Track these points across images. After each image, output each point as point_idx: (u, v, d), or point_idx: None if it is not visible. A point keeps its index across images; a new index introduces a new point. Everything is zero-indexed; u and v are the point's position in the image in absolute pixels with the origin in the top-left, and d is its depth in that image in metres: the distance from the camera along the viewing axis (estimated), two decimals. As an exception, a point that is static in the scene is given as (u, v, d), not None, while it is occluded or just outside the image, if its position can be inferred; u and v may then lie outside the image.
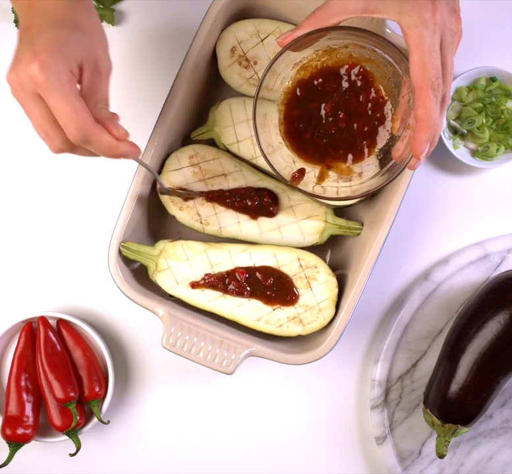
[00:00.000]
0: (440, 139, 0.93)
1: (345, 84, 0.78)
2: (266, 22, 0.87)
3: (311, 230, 0.89)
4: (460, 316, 0.89)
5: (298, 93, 0.79)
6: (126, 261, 0.86)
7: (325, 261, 0.90)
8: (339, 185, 0.81)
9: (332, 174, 0.81)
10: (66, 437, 0.91)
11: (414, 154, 0.70)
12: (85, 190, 0.96)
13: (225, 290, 0.86)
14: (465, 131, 0.94)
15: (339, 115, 0.78)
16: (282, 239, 0.88)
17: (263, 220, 0.88)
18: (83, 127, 0.63)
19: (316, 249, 0.91)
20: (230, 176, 0.88)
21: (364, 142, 0.80)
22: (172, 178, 0.87)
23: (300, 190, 0.79)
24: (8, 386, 0.91)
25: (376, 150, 0.80)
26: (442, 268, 0.94)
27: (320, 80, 0.79)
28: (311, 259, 0.87)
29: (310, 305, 0.86)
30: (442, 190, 0.96)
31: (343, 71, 0.78)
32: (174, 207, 0.87)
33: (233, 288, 0.85)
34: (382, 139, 0.80)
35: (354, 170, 0.81)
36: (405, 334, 0.94)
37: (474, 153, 0.95)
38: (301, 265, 0.87)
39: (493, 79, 0.94)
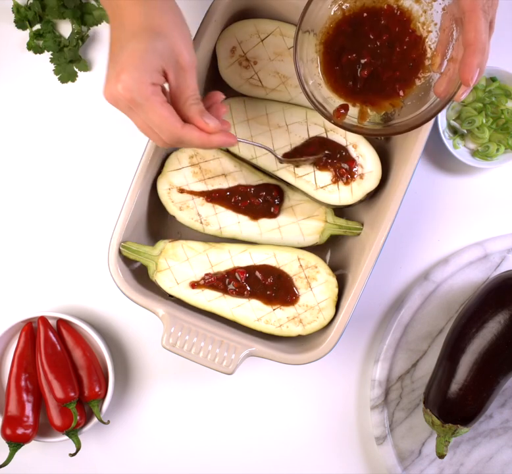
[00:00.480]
0: (440, 139, 0.93)
1: (383, 22, 0.77)
2: (266, 22, 0.87)
3: (311, 230, 0.89)
4: (460, 316, 0.89)
5: (337, 31, 0.78)
6: (126, 261, 0.86)
7: (325, 261, 0.90)
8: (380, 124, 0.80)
9: (371, 113, 0.80)
10: (66, 437, 0.91)
11: (464, 80, 0.69)
12: (85, 190, 0.96)
13: (225, 290, 0.86)
14: (465, 131, 0.94)
15: (378, 50, 0.77)
16: (282, 239, 0.88)
17: (263, 220, 0.88)
18: (173, 132, 0.69)
19: (316, 249, 0.91)
20: (229, 176, 0.88)
21: (403, 80, 0.78)
22: (172, 178, 0.87)
23: (345, 127, 0.78)
24: (8, 386, 0.91)
25: (418, 85, 0.78)
26: (442, 268, 0.94)
27: (360, 19, 0.78)
28: (311, 259, 0.87)
29: (310, 305, 0.86)
30: (442, 190, 0.96)
31: (381, 11, 0.77)
32: (174, 207, 0.87)
33: (233, 288, 0.85)
34: (420, 78, 0.78)
35: (395, 106, 0.80)
36: (405, 334, 0.94)
37: (474, 153, 0.95)
38: (301, 265, 0.87)
39: (493, 79, 0.94)
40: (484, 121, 0.93)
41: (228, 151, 0.89)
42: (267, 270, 0.86)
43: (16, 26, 0.95)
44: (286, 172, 0.87)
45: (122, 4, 0.69)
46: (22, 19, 0.94)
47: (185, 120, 0.71)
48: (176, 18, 0.71)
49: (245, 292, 0.85)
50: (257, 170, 0.89)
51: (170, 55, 0.68)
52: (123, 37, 0.68)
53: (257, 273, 0.86)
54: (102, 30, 0.96)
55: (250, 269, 0.86)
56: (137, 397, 0.95)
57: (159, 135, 0.70)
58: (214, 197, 0.87)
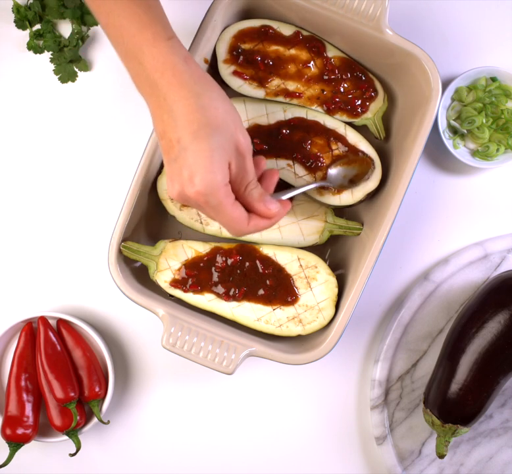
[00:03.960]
0: (440, 139, 0.93)
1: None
2: (266, 22, 0.87)
3: (311, 230, 0.89)
4: (460, 317, 0.89)
5: None
6: (126, 260, 0.86)
7: (325, 261, 0.90)
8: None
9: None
10: (66, 437, 0.91)
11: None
12: (86, 190, 0.96)
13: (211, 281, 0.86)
14: (465, 131, 0.94)
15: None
16: (282, 239, 0.88)
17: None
18: (239, 230, 0.72)
19: (316, 249, 0.91)
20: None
21: None
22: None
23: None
24: (8, 386, 0.91)
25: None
26: (442, 268, 0.94)
27: None
28: (311, 259, 0.87)
29: (310, 305, 0.86)
30: (442, 190, 0.96)
31: None
32: (174, 207, 0.87)
33: (220, 271, 0.86)
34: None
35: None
36: (405, 334, 0.94)
37: (474, 153, 0.95)
38: (301, 265, 0.87)
39: (493, 79, 0.94)
40: (484, 121, 0.93)
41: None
42: (267, 261, 0.86)
43: (16, 25, 0.95)
44: (287, 172, 0.87)
45: (171, 97, 0.67)
46: (22, 19, 0.94)
47: (246, 204, 0.72)
48: (226, 104, 0.69)
49: (243, 286, 0.85)
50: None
51: (231, 147, 0.68)
52: (182, 136, 0.66)
53: (257, 262, 0.86)
54: (103, 30, 0.96)
55: (248, 259, 0.86)
56: (137, 397, 0.95)
57: (228, 230, 0.72)
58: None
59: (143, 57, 0.68)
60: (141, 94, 0.71)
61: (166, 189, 0.68)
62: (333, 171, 0.85)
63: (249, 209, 0.72)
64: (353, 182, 0.86)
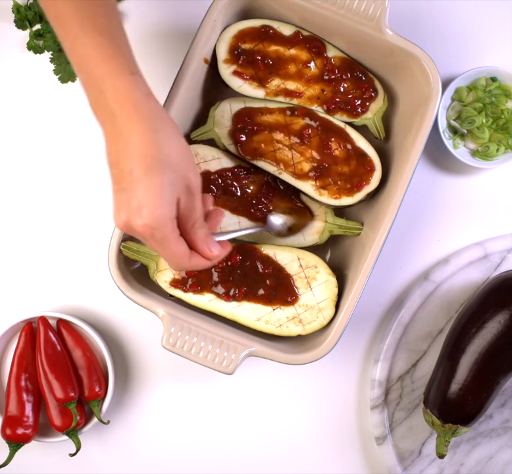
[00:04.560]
0: (440, 139, 0.93)
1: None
2: (266, 22, 0.87)
3: (311, 230, 0.89)
4: (460, 317, 0.89)
5: None
6: (126, 260, 0.86)
7: (325, 261, 0.90)
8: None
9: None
10: (66, 437, 0.91)
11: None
12: (86, 190, 0.96)
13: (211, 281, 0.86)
14: (465, 131, 0.94)
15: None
16: (282, 239, 0.88)
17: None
18: (179, 265, 0.72)
19: (316, 249, 0.91)
20: (229, 176, 0.88)
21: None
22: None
23: None
24: (8, 386, 0.91)
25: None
26: (442, 268, 0.94)
27: None
28: (311, 259, 0.87)
29: (310, 305, 0.86)
30: (442, 190, 0.96)
31: None
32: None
33: (221, 271, 0.86)
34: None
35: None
36: (405, 334, 0.94)
37: (474, 153, 0.95)
38: (301, 265, 0.87)
39: (493, 79, 0.94)
40: (484, 121, 0.93)
41: (227, 151, 0.89)
42: (267, 261, 0.86)
43: (16, 25, 0.95)
44: (286, 174, 0.87)
45: (128, 130, 0.68)
46: (22, 19, 0.94)
47: (189, 241, 0.72)
48: (181, 142, 0.71)
49: (243, 285, 0.85)
50: (257, 170, 0.89)
51: (182, 184, 0.69)
52: (134, 168, 0.67)
53: (257, 262, 0.86)
54: (103, 30, 0.96)
55: (248, 259, 0.86)
56: (137, 397, 0.95)
57: (169, 264, 0.73)
58: (214, 197, 0.87)
59: (105, 87, 0.69)
60: (97, 120, 0.71)
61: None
62: (273, 218, 0.87)
63: (191, 246, 0.73)
64: (291, 230, 0.87)
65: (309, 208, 0.89)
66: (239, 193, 0.88)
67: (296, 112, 0.87)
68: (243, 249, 0.86)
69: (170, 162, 0.68)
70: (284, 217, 0.87)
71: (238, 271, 0.86)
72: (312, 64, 0.88)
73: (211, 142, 0.90)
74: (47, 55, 0.96)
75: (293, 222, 0.87)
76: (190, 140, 0.90)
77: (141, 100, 0.69)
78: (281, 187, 0.89)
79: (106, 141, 0.70)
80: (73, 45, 0.70)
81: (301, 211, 0.88)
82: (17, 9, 0.94)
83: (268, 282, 0.86)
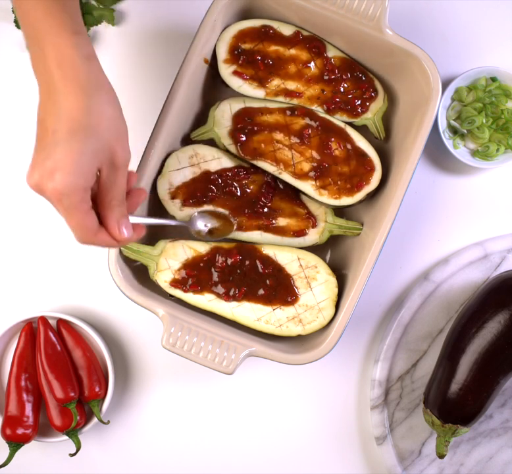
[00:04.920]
0: (440, 139, 0.93)
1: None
2: (266, 22, 0.87)
3: (311, 230, 0.89)
4: (460, 317, 0.89)
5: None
6: (126, 260, 0.86)
7: (325, 261, 0.90)
8: None
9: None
10: (66, 437, 0.91)
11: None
12: (85, 190, 0.96)
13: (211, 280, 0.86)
14: (465, 131, 0.94)
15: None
16: (282, 239, 0.88)
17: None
18: (84, 239, 0.69)
19: (316, 249, 0.91)
20: (229, 176, 0.88)
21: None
22: (172, 178, 0.87)
23: None
24: (8, 386, 0.91)
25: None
26: (442, 268, 0.94)
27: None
28: (311, 259, 0.87)
29: (310, 305, 0.86)
30: (442, 190, 0.96)
31: None
32: (174, 207, 0.87)
33: (220, 270, 0.86)
34: None
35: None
36: (405, 334, 0.94)
37: (474, 153, 0.95)
38: (301, 265, 0.87)
39: (493, 79, 0.94)
40: (484, 121, 0.93)
41: (227, 151, 0.89)
42: (267, 261, 0.86)
43: (16, 26, 0.95)
44: (286, 174, 0.87)
45: (61, 90, 0.66)
46: (22, 19, 0.94)
47: (102, 217, 0.70)
48: (115, 112, 0.68)
49: (243, 285, 0.85)
50: (257, 170, 0.89)
51: (105, 155, 0.66)
52: (59, 128, 0.65)
53: (257, 262, 0.86)
54: (103, 30, 0.96)
55: (248, 259, 0.86)
56: (137, 397, 0.95)
57: (72, 234, 0.69)
58: (214, 197, 0.87)
59: (45, 44, 0.66)
60: (35, 77, 0.69)
61: (28, 176, 0.66)
62: (198, 216, 0.86)
63: (103, 222, 0.70)
64: (211, 233, 0.87)
65: (309, 209, 0.89)
66: (239, 193, 0.88)
67: (296, 112, 0.87)
68: (243, 249, 0.86)
69: (97, 131, 0.65)
70: (209, 219, 0.86)
71: (238, 271, 0.86)
72: (312, 64, 0.88)
73: (211, 142, 0.90)
74: (47, 55, 0.96)
75: (215, 227, 0.86)
76: (190, 140, 0.90)
77: (81, 62, 0.66)
78: (281, 186, 0.89)
79: (40, 98, 0.67)
80: (20, 0, 0.68)
81: (226, 219, 0.87)
82: (17, 9, 0.94)
83: (268, 282, 0.86)
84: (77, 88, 0.66)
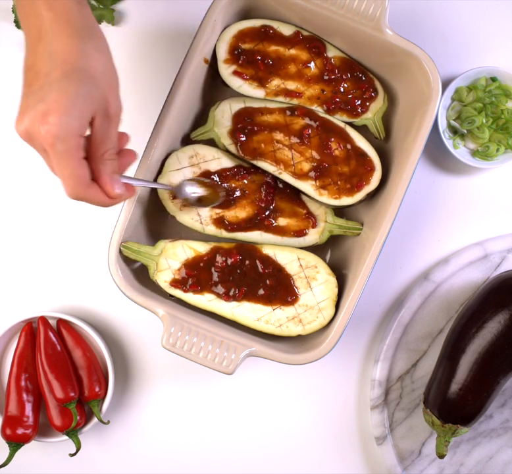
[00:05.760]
0: (440, 139, 0.93)
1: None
2: (266, 22, 0.87)
3: (311, 230, 0.89)
4: (460, 317, 0.89)
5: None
6: (126, 260, 0.86)
7: (325, 261, 0.90)
8: None
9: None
10: (66, 437, 0.91)
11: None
12: (85, 190, 0.96)
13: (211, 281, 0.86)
14: (465, 131, 0.94)
15: None
16: (282, 239, 0.88)
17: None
18: (75, 191, 0.65)
19: (316, 249, 0.91)
20: (229, 176, 0.88)
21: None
22: (172, 178, 0.87)
23: None
24: (8, 386, 0.91)
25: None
26: (442, 268, 0.94)
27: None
28: (311, 259, 0.87)
29: (310, 305, 0.86)
30: (442, 190, 0.96)
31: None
32: (174, 207, 0.87)
33: (220, 271, 0.86)
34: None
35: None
36: (405, 334, 0.94)
37: (474, 153, 0.95)
38: (301, 265, 0.87)
39: (493, 79, 0.94)
40: (484, 121, 0.93)
41: (227, 151, 0.89)
42: (267, 261, 0.86)
43: (16, 26, 0.95)
44: (286, 174, 0.87)
45: (53, 32, 0.63)
46: (22, 19, 0.94)
47: (94, 171, 0.67)
48: (110, 61, 0.66)
49: (243, 285, 0.85)
50: (257, 170, 0.89)
51: (99, 102, 0.64)
52: (52, 70, 0.62)
53: (257, 262, 0.86)
54: (103, 30, 0.96)
55: (248, 259, 0.86)
56: (137, 397, 0.95)
57: (63, 185, 0.66)
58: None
59: None
60: (21, 23, 0.66)
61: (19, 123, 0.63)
62: (186, 183, 0.85)
63: (94, 177, 0.67)
64: (200, 201, 0.86)
65: (309, 209, 0.89)
66: (238, 193, 0.88)
67: (296, 112, 0.87)
68: (243, 249, 0.86)
69: (92, 75, 0.63)
70: (197, 187, 0.85)
71: (238, 271, 0.86)
72: (312, 64, 0.88)
73: (211, 142, 0.90)
74: (47, 55, 0.96)
75: (203, 195, 0.85)
76: (190, 140, 0.90)
77: (73, 6, 0.64)
78: (281, 186, 0.89)
79: (27, 44, 0.65)
80: None
81: (214, 187, 0.86)
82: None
83: (268, 282, 0.86)
84: (70, 30, 0.63)
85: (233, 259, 0.86)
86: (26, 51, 0.65)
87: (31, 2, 0.64)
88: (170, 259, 0.86)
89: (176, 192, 0.86)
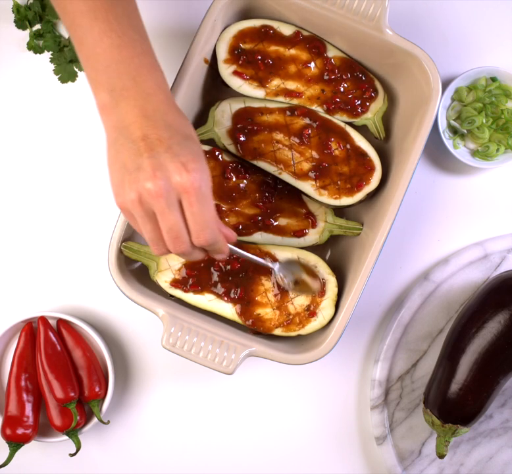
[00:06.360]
0: (440, 139, 0.93)
1: None
2: (266, 22, 0.87)
3: (311, 230, 0.89)
4: (460, 317, 0.89)
5: None
6: (127, 260, 0.86)
7: (325, 261, 0.90)
8: None
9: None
10: (66, 437, 0.91)
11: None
12: (86, 190, 0.96)
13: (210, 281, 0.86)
14: (465, 131, 0.94)
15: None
16: (282, 239, 0.88)
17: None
18: (216, 234, 0.69)
19: (316, 249, 0.91)
20: (229, 176, 0.88)
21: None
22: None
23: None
24: (8, 386, 0.91)
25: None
26: (442, 268, 0.94)
27: None
28: (311, 258, 0.87)
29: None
30: (442, 190, 0.96)
31: None
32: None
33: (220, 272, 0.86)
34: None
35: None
36: (405, 334, 0.94)
37: (474, 153, 0.95)
38: (301, 265, 0.87)
39: (493, 79, 0.94)
40: (484, 121, 0.93)
41: (227, 151, 0.89)
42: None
43: (16, 25, 0.95)
44: (286, 174, 0.87)
45: (164, 108, 0.69)
46: (22, 19, 0.94)
47: None
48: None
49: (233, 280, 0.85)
50: (257, 170, 0.89)
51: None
52: (174, 135, 0.67)
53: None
54: (103, 30, 0.96)
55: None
56: (137, 397, 0.95)
57: (199, 233, 0.68)
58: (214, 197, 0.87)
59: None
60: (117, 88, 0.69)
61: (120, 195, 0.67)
62: (284, 263, 0.85)
63: None
64: (297, 283, 0.84)
65: (309, 209, 0.89)
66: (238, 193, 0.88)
67: (296, 112, 0.87)
68: (243, 248, 0.86)
69: (197, 142, 0.70)
70: (298, 270, 0.84)
71: (238, 271, 0.86)
72: (312, 64, 0.88)
73: (211, 142, 0.90)
74: (47, 55, 0.96)
75: (301, 279, 0.84)
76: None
77: (165, 80, 0.72)
78: (281, 186, 0.89)
79: (130, 123, 0.68)
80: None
81: (317, 278, 0.85)
82: (17, 9, 0.94)
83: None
84: (175, 106, 0.72)
85: (232, 267, 0.86)
86: (131, 127, 0.68)
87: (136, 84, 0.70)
88: (170, 259, 0.86)
89: (274, 271, 0.84)
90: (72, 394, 0.89)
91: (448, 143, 0.93)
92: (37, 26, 0.96)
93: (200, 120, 0.92)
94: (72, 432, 0.90)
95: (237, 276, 0.86)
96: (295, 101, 0.88)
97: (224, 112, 0.88)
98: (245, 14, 0.88)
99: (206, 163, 0.69)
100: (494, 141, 0.94)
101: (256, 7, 0.87)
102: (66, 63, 0.95)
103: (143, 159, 0.66)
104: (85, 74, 0.71)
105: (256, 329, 0.85)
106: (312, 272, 0.85)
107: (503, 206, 0.97)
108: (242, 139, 0.86)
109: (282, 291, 0.86)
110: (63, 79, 0.95)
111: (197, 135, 0.71)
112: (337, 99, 0.88)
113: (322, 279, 0.85)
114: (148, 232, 0.69)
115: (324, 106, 0.88)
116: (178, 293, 0.86)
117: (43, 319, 0.92)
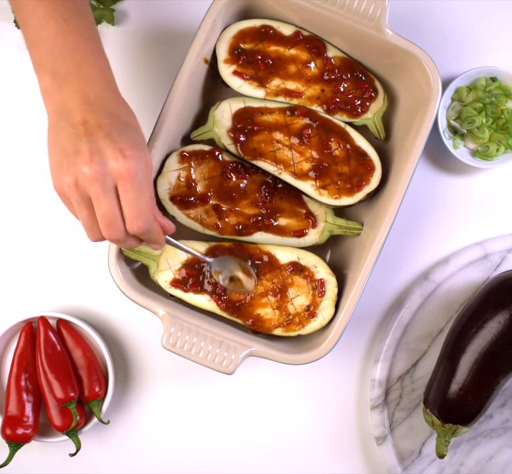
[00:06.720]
0: (440, 139, 0.93)
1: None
2: (266, 22, 0.87)
3: (311, 230, 0.89)
4: (460, 317, 0.89)
5: None
6: (127, 260, 0.86)
7: (325, 261, 0.90)
8: None
9: None
10: (66, 437, 0.91)
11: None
12: (85, 190, 0.96)
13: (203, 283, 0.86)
14: (465, 131, 0.94)
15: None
16: (282, 239, 0.88)
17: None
18: (150, 222, 0.69)
19: (316, 249, 0.91)
20: (229, 176, 0.88)
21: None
22: (172, 178, 0.87)
23: None
24: (8, 386, 0.91)
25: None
26: (442, 268, 0.94)
27: None
28: (311, 258, 0.87)
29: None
30: (442, 190, 0.96)
31: None
32: (173, 206, 0.87)
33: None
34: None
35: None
36: (405, 334, 0.94)
37: (474, 153, 0.95)
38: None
39: (493, 79, 0.94)
40: (484, 121, 0.93)
41: (227, 151, 0.89)
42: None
43: (16, 26, 0.95)
44: (286, 174, 0.87)
45: (109, 95, 0.71)
46: (22, 19, 0.94)
47: None
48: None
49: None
50: (257, 170, 0.89)
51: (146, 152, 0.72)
52: (113, 123, 0.68)
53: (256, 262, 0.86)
54: (103, 30, 0.96)
55: (249, 257, 0.86)
56: (137, 397, 0.95)
57: (133, 220, 0.68)
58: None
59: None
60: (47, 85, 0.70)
61: (56, 178, 0.68)
62: (226, 261, 0.85)
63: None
64: (232, 280, 0.85)
65: (309, 209, 0.89)
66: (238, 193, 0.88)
67: (296, 112, 0.87)
68: (243, 248, 0.86)
69: (138, 131, 0.72)
70: (236, 268, 0.85)
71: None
72: (312, 64, 0.88)
73: (211, 142, 0.90)
74: (47, 55, 0.96)
75: (236, 276, 0.85)
76: (190, 140, 0.90)
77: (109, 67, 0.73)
78: (281, 186, 0.89)
79: (72, 108, 0.69)
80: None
81: (250, 276, 0.86)
82: (17, 9, 0.94)
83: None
84: (118, 95, 0.74)
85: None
86: (72, 115, 0.68)
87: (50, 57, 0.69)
88: (170, 259, 0.86)
89: (210, 264, 0.85)
90: (72, 394, 0.89)
91: (448, 143, 0.93)
92: (37, 26, 0.96)
93: (200, 120, 0.92)
94: (72, 432, 0.90)
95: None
96: (295, 101, 0.88)
97: (224, 112, 0.88)
98: (245, 14, 0.88)
99: (148, 153, 0.70)
100: (494, 141, 0.94)
101: (256, 7, 0.87)
102: (66, 63, 0.95)
103: (81, 143, 0.67)
104: (30, 55, 0.71)
105: (256, 329, 0.86)
106: (248, 271, 0.85)
107: (503, 206, 0.97)
108: (242, 139, 0.86)
109: (282, 292, 0.86)
110: (63, 79, 0.95)
111: (139, 124, 0.72)
112: (337, 99, 0.88)
113: (255, 278, 0.85)
114: (83, 218, 0.69)
115: (324, 106, 0.88)
116: (177, 293, 0.86)
117: (43, 319, 0.92)
